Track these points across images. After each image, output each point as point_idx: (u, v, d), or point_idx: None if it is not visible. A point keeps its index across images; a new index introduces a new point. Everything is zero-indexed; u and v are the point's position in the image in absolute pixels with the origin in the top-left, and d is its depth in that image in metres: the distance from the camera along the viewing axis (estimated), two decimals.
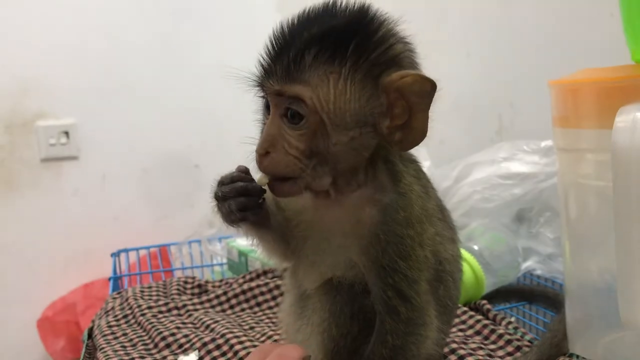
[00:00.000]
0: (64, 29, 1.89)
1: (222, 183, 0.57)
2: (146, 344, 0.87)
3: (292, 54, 0.50)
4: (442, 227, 0.61)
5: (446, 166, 1.13)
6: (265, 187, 0.55)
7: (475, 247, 0.98)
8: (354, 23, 0.50)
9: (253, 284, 1.03)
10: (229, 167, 0.58)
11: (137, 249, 1.42)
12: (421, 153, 1.33)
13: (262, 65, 0.52)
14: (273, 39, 0.51)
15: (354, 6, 0.51)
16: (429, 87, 0.49)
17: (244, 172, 0.56)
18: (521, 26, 1.31)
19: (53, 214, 2.05)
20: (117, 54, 1.94)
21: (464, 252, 0.97)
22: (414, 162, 0.60)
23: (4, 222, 2.00)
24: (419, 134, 0.51)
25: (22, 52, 1.88)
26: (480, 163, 1.06)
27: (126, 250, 1.38)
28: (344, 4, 0.51)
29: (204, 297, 1.02)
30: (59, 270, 2.05)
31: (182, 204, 1.97)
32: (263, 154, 0.52)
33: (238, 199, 0.54)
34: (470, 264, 0.95)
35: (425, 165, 1.28)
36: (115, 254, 1.35)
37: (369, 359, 0.55)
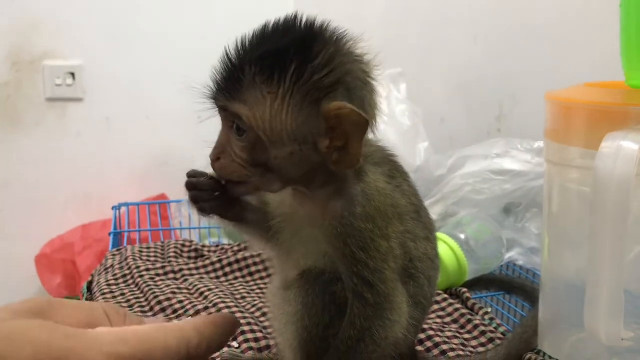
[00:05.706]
0: None
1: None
2: (142, 306, 0.92)
3: (236, 72, 0.53)
4: (415, 226, 0.64)
5: (442, 155, 1.16)
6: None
7: (462, 236, 1.02)
8: (297, 45, 0.52)
9: (247, 254, 1.07)
10: None
11: (137, 204, 1.46)
12: (420, 133, 1.36)
13: (213, 80, 0.56)
14: (226, 54, 0.54)
15: (306, 25, 0.53)
16: (363, 121, 0.52)
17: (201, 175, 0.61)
18: (530, 21, 1.31)
19: (56, 154, 2.08)
20: None
21: (449, 239, 1.01)
22: (391, 162, 0.63)
23: (7, 159, 2.04)
24: (354, 158, 0.55)
25: None
26: (474, 156, 1.09)
27: (127, 205, 1.41)
28: (302, 21, 0.53)
29: (200, 263, 1.07)
30: (58, 210, 2.09)
31: (184, 154, 1.99)
32: (215, 160, 0.57)
33: (191, 192, 0.60)
34: (454, 251, 1.00)
35: (424, 146, 1.31)
36: (117, 207, 1.39)
37: (339, 339, 0.59)
